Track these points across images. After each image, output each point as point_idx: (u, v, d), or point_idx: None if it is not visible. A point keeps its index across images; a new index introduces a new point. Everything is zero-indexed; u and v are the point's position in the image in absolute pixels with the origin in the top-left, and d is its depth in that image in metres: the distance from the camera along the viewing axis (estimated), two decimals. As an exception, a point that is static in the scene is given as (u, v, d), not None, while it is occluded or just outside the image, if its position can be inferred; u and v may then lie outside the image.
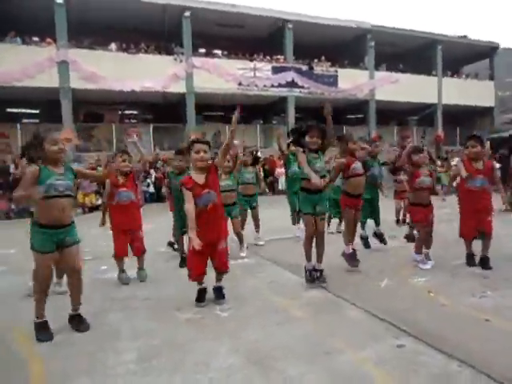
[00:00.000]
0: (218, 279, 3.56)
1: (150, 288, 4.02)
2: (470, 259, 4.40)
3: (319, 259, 3.94)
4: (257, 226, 5.96)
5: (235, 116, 3.47)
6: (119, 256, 4.17)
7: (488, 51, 23.13)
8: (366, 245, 5.34)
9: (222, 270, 3.50)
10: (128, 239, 4.18)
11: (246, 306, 3.39)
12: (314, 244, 3.92)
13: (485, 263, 4.26)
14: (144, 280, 4.25)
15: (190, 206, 3.24)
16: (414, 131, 22.51)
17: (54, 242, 2.86)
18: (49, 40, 14.86)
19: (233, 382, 2.24)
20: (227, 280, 3.63)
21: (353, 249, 4.43)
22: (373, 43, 19.86)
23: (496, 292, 3.50)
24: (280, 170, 14.41)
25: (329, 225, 6.38)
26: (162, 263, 5.03)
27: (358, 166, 4.38)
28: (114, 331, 2.96)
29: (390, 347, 2.57)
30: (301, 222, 6.05)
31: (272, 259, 5.03)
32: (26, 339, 2.90)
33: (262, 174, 15.53)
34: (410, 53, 22.27)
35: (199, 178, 3.29)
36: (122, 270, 4.22)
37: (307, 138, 3.80)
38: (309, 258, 3.92)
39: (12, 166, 12.70)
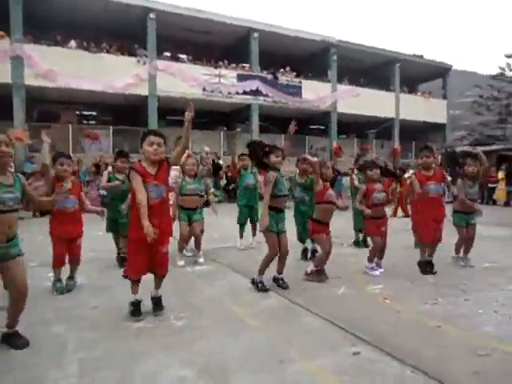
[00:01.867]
0: (158, 286, 3.33)
1: (100, 296, 3.79)
2: (422, 265, 4.56)
3: (280, 271, 4.02)
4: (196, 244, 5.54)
5: (189, 115, 3.29)
6: (58, 266, 3.94)
7: (442, 71, 24.59)
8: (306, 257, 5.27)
9: (163, 273, 3.29)
10: (67, 248, 3.95)
11: (202, 315, 3.27)
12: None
13: (431, 266, 4.53)
14: (72, 289, 3.99)
15: (141, 195, 2.96)
16: (373, 144, 23.37)
17: None
18: (1, 33, 14.05)
19: (183, 395, 2.12)
20: (184, 288, 3.49)
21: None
22: (336, 57, 20.48)
23: (446, 299, 3.61)
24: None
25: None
26: (114, 270, 4.78)
27: (331, 193, 4.30)
28: (58, 343, 2.74)
29: (346, 355, 2.55)
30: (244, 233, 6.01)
31: (230, 266, 4.93)
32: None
33: (224, 180, 15.56)
34: (371, 68, 23.22)
35: (150, 170, 3.09)
36: (58, 280, 3.95)
37: (273, 158, 3.84)
38: (261, 273, 3.92)
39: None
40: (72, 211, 3.93)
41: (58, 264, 3.93)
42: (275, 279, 4.02)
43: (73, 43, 15.53)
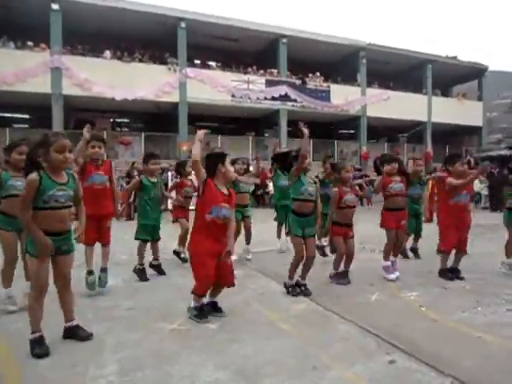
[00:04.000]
0: (216, 295, 3.40)
1: (134, 297, 3.90)
2: (444, 273, 4.44)
3: (303, 276, 3.97)
4: (247, 238, 5.85)
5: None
6: (87, 243, 3.86)
7: (477, 73, 23.73)
8: (324, 254, 5.38)
9: (230, 285, 3.33)
10: (96, 228, 3.91)
11: (236, 318, 3.30)
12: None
13: (457, 272, 4.43)
14: (103, 287, 4.02)
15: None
16: (404, 148, 22.84)
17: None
18: (43, 45, 14.80)
19: (219, 397, 2.15)
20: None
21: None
22: (365, 60, 20.22)
23: (487, 308, 3.47)
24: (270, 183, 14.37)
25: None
26: (148, 272, 4.89)
27: (350, 198, 4.29)
28: (96, 342, 2.83)
29: (381, 364, 2.50)
30: (282, 234, 6.09)
31: (261, 271, 4.95)
32: (1, 349, 2.77)
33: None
34: (402, 71, 22.74)
35: (223, 189, 3.23)
36: (90, 272, 3.95)
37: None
38: (291, 277, 3.94)
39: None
40: (101, 188, 3.89)
41: (87, 240, 3.73)
42: (298, 285, 3.94)
43: (107, 53, 16.12)
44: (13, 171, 3.46)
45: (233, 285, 3.35)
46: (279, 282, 4.32)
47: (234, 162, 5.30)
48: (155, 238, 4.76)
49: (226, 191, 3.23)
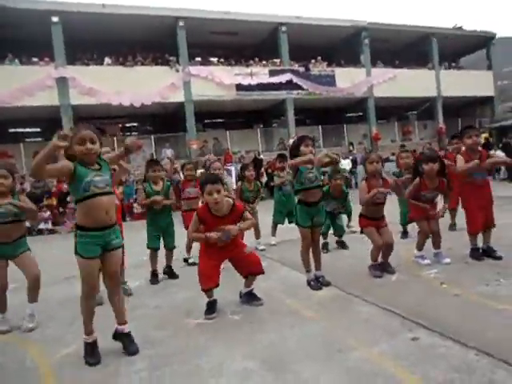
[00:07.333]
0: (250, 285, 3.53)
1: (158, 297, 4.02)
2: (476, 252, 4.22)
3: (318, 267, 3.94)
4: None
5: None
6: None
7: (484, 41, 23.06)
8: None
9: (258, 272, 3.48)
10: None
11: (258, 309, 3.37)
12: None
13: (493, 251, 4.17)
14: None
15: (192, 233, 3.38)
16: (415, 125, 22.46)
17: (100, 245, 2.59)
18: (46, 59, 15.02)
19: (248, 384, 2.22)
20: (238, 283, 3.59)
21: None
22: (367, 41, 19.88)
23: (510, 280, 3.45)
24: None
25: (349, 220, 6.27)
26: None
27: (378, 191, 3.93)
28: (127, 341, 2.94)
29: (405, 341, 2.53)
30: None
31: (280, 261, 5.01)
32: (38, 351, 2.91)
33: (265, 177, 15.65)
34: (406, 47, 22.27)
35: (218, 213, 3.29)
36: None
37: (302, 148, 3.73)
38: (308, 268, 3.89)
39: (18, 186, 12.83)
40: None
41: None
42: (316, 278, 3.88)
43: (107, 60, 16.23)
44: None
45: (262, 272, 3.49)
46: (299, 270, 4.36)
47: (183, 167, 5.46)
48: (168, 247, 4.69)
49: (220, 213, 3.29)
